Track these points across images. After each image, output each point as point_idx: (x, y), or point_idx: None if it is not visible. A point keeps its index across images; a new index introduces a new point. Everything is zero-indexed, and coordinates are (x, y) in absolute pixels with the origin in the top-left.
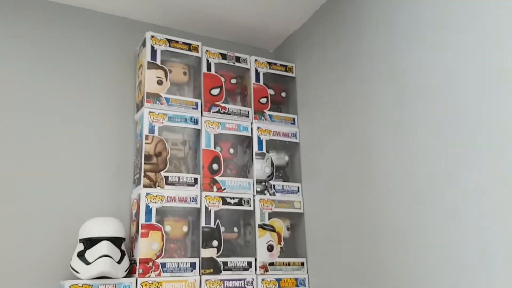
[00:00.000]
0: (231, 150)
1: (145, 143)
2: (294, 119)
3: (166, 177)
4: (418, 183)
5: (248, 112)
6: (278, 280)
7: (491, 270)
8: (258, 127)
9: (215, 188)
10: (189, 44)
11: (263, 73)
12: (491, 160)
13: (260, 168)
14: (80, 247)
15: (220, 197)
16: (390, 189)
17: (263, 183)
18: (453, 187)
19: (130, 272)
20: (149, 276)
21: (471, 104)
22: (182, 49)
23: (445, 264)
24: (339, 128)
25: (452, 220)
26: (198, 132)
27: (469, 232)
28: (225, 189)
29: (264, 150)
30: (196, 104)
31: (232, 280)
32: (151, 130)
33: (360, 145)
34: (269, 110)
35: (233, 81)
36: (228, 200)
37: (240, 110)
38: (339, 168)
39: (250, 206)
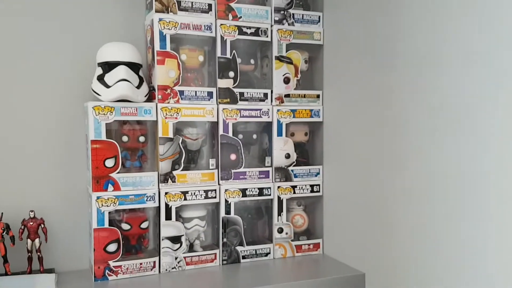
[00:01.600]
0: None
1: None
2: None
3: (179, 2)
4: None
5: None
6: (293, 110)
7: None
8: None
9: (230, 16)
10: None
11: None
12: None
13: None
14: (99, 71)
15: (236, 26)
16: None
17: (282, 12)
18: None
19: (149, 98)
20: (168, 102)
21: None
22: None
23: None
24: None
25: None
26: None
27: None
28: (241, 17)
29: None
30: None
31: (248, 109)
32: None
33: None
34: None
35: None
36: (245, 29)
37: None
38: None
39: (267, 36)
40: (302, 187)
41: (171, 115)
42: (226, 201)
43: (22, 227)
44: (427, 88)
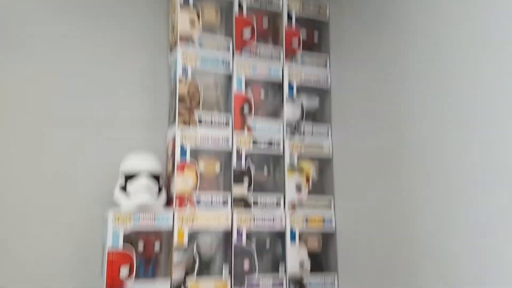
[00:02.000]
0: (262, 93)
1: (179, 85)
2: (326, 62)
3: (200, 118)
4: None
5: (280, 54)
6: (306, 218)
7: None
8: (289, 70)
9: (246, 130)
10: None
11: (296, 15)
12: None
13: (290, 111)
14: (122, 180)
15: (251, 139)
16: (420, 138)
17: (293, 126)
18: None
19: (167, 205)
20: (185, 209)
21: None
22: None
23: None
24: (371, 75)
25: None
26: (229, 75)
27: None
28: (255, 131)
29: (294, 93)
30: (228, 45)
31: (262, 217)
32: (185, 72)
33: (392, 93)
34: (301, 52)
35: (265, 23)
36: (259, 142)
37: (272, 52)
38: (370, 114)
39: (280, 148)
40: None
41: (187, 222)
42: None
43: None
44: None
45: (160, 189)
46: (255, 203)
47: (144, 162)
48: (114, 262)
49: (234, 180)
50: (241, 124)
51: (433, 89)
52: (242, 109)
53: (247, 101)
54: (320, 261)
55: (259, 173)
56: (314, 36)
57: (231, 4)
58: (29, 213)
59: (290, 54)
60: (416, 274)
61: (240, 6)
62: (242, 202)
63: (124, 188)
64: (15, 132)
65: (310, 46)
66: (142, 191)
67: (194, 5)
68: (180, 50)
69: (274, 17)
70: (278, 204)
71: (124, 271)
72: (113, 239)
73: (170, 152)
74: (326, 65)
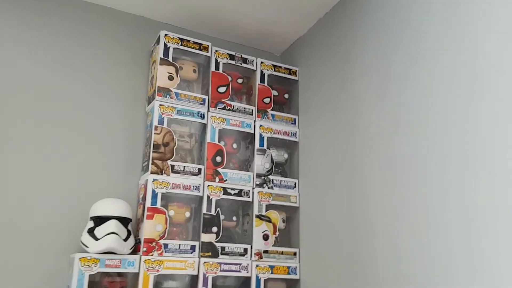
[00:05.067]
0: (234, 145)
1: (154, 133)
2: (295, 120)
3: (172, 166)
4: (404, 182)
5: (252, 110)
6: (272, 267)
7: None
8: (260, 125)
9: (217, 179)
10: (200, 44)
11: (268, 75)
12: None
13: (260, 163)
14: (90, 224)
15: (221, 187)
16: (380, 190)
17: (263, 177)
18: (444, 195)
19: (135, 250)
20: (152, 255)
21: (467, 106)
22: (193, 48)
23: (436, 261)
24: (335, 130)
25: (442, 222)
26: (204, 126)
27: (460, 226)
28: (226, 180)
29: (265, 147)
30: (204, 100)
31: (228, 264)
32: (161, 122)
33: (354, 147)
34: (272, 110)
35: (240, 80)
36: (229, 190)
37: (245, 108)
38: (334, 167)
39: (249, 197)
40: None
41: (153, 267)
42: None
43: None
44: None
45: (128, 234)
46: (223, 251)
47: (114, 207)
48: None
49: (203, 227)
50: (213, 172)
51: (390, 140)
52: (214, 158)
53: (220, 151)
54: None
55: (228, 221)
56: (284, 94)
57: (208, 62)
58: None
59: (262, 110)
60: None
61: (217, 63)
62: (209, 249)
63: (92, 232)
64: None
65: (281, 103)
66: (109, 235)
67: (173, 60)
68: (157, 101)
69: (249, 75)
70: (245, 252)
71: None
72: (78, 283)
73: (141, 197)
74: (295, 122)
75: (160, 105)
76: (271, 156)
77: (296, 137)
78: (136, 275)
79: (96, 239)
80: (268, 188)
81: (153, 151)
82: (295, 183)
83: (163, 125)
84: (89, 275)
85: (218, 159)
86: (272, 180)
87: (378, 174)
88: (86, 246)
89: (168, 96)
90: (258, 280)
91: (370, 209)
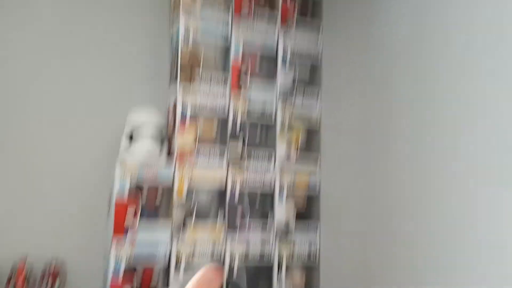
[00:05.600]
0: (258, 61)
1: (181, 49)
2: (319, 28)
3: (200, 78)
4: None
5: (276, 21)
6: (294, 179)
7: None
8: (284, 37)
9: (242, 93)
10: None
11: None
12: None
13: (283, 78)
14: (128, 129)
15: (246, 102)
16: (407, 112)
17: (285, 96)
18: (460, 167)
19: (168, 162)
20: (185, 166)
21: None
22: None
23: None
24: (362, 43)
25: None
26: (228, 44)
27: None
28: (250, 95)
29: (288, 62)
30: (227, 12)
31: (254, 176)
32: (186, 37)
33: (381, 65)
34: (295, 20)
35: None
36: (252, 110)
37: (268, 21)
38: (357, 83)
39: (272, 115)
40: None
41: (186, 177)
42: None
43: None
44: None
45: (162, 147)
46: (249, 161)
47: (149, 116)
48: (120, 207)
49: (230, 139)
50: (238, 86)
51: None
52: (239, 72)
53: (244, 65)
54: (304, 218)
55: (252, 135)
56: (308, 6)
57: None
58: (44, 167)
59: (285, 23)
60: (393, 232)
61: None
62: (237, 160)
63: (130, 138)
64: (30, 89)
65: (304, 14)
66: (146, 148)
67: None
68: (183, 17)
69: None
70: (270, 158)
71: (129, 214)
72: (120, 188)
73: (172, 112)
74: (318, 32)
75: (186, 20)
76: (294, 71)
77: (319, 51)
78: (171, 184)
79: (134, 152)
80: (291, 105)
81: (180, 66)
82: (317, 97)
83: (189, 41)
84: (130, 183)
85: (243, 72)
86: (295, 97)
87: (409, 92)
88: (126, 158)
89: (193, 13)
90: (281, 191)
91: (396, 123)
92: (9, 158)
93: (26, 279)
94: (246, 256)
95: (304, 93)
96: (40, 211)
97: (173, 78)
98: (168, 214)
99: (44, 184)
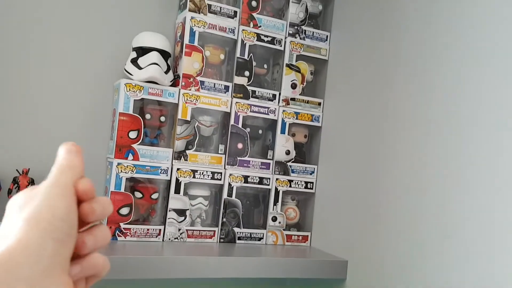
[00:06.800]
0: None
1: None
2: None
3: (210, 6)
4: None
5: None
6: (297, 113)
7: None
8: None
9: (251, 24)
10: None
11: None
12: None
13: (294, 12)
14: (133, 54)
15: (255, 33)
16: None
17: (295, 27)
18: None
19: (173, 85)
20: (190, 89)
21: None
22: None
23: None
24: None
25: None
26: None
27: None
28: (260, 26)
29: None
30: None
31: (258, 106)
32: None
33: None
34: None
35: None
36: (262, 37)
37: None
38: (369, 21)
39: (281, 46)
40: (297, 182)
41: (191, 100)
42: (229, 184)
43: None
44: (424, 102)
45: (168, 68)
46: (254, 94)
47: (156, 39)
48: (124, 124)
49: (236, 71)
50: (248, 17)
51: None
52: (250, 2)
53: None
54: (304, 153)
55: (259, 67)
56: None
57: None
58: (47, 83)
59: None
60: (392, 173)
61: None
62: (241, 91)
63: (135, 62)
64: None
65: None
66: (152, 65)
67: None
68: None
69: None
70: (274, 98)
71: (132, 134)
72: (124, 105)
73: (179, 35)
74: None
75: None
76: (306, 6)
77: None
78: (176, 106)
79: (140, 68)
80: (300, 38)
81: None
82: (327, 36)
83: None
84: (134, 100)
85: (254, 3)
86: (305, 30)
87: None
88: (131, 74)
89: None
90: (283, 124)
91: (403, 72)
92: (11, 79)
93: (31, 180)
94: (246, 179)
95: (314, 27)
96: (43, 130)
97: (182, 5)
98: (171, 135)
99: (47, 100)
